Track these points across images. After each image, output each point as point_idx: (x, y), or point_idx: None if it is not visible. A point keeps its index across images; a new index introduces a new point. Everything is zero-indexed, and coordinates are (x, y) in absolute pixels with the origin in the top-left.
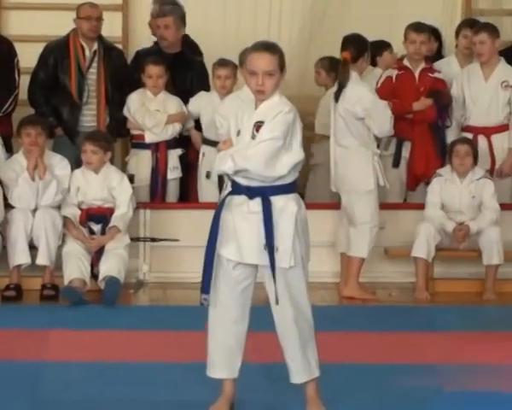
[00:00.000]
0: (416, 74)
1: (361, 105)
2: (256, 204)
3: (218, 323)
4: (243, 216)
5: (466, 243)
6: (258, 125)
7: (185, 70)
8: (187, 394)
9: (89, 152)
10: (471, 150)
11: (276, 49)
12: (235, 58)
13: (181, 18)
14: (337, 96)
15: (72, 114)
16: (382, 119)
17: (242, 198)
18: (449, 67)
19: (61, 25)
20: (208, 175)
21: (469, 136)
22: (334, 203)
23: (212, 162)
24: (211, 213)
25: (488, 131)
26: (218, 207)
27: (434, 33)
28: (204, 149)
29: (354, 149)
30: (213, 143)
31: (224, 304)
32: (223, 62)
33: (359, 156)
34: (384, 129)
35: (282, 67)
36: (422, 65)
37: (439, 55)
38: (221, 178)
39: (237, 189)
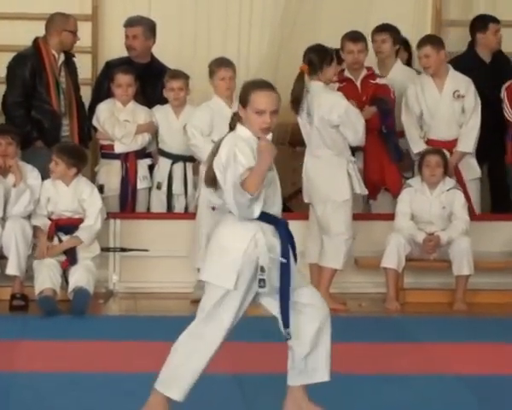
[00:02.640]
0: (358, 83)
1: (336, 112)
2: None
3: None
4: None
5: (436, 254)
6: None
7: (155, 80)
8: None
9: (53, 162)
10: (442, 161)
11: (275, 88)
12: (206, 71)
13: (150, 29)
14: (295, 108)
15: (53, 124)
16: (356, 126)
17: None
18: None
19: (24, 34)
20: (159, 186)
21: None
22: (303, 214)
23: (165, 173)
24: (180, 224)
25: (450, 145)
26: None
27: (404, 44)
28: (159, 160)
29: (328, 158)
30: (167, 155)
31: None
32: (175, 74)
33: (333, 166)
34: (358, 136)
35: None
36: (364, 73)
37: (409, 65)
38: (170, 190)
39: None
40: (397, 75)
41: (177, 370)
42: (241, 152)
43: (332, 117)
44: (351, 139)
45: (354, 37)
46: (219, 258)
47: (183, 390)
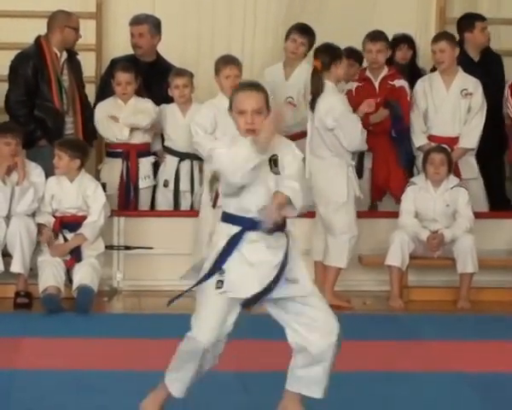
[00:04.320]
0: (377, 84)
1: (331, 116)
2: (278, 238)
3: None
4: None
5: (440, 252)
6: (274, 160)
7: (161, 78)
8: None
9: (56, 156)
10: (446, 159)
11: (262, 88)
12: (210, 69)
13: (155, 26)
14: (312, 106)
15: (56, 123)
16: (352, 132)
17: (258, 234)
18: None
19: (28, 32)
20: (166, 184)
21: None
22: (309, 212)
23: (172, 171)
24: (185, 221)
25: (452, 142)
26: (230, 244)
27: (409, 42)
28: (166, 157)
29: (329, 160)
30: (174, 153)
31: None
32: (180, 72)
33: (334, 167)
34: (354, 143)
35: (268, 105)
36: (384, 72)
37: (413, 63)
38: (177, 188)
39: (252, 224)
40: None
41: None
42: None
43: (327, 120)
44: (346, 144)
45: (374, 36)
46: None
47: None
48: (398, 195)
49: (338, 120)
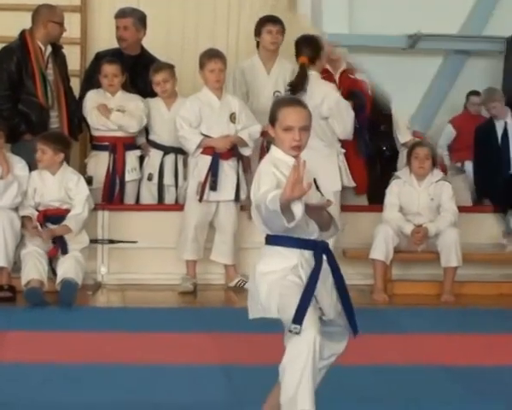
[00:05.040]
0: (337, 77)
1: (327, 104)
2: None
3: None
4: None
5: (424, 245)
6: (316, 186)
7: (146, 72)
8: (142, 395)
9: (39, 151)
10: (430, 153)
11: (306, 104)
12: (195, 63)
13: (140, 20)
14: None
15: (41, 117)
16: (346, 119)
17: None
18: None
19: (13, 26)
20: (150, 177)
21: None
22: None
23: (156, 164)
24: (169, 215)
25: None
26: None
27: None
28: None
29: (319, 149)
30: (158, 146)
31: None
32: (158, 67)
33: (325, 157)
34: (347, 130)
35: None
36: (344, 66)
37: None
38: (161, 182)
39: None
40: None
41: None
42: (263, 180)
43: (322, 108)
44: (339, 132)
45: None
46: None
47: None
48: (359, 186)
49: (333, 108)
